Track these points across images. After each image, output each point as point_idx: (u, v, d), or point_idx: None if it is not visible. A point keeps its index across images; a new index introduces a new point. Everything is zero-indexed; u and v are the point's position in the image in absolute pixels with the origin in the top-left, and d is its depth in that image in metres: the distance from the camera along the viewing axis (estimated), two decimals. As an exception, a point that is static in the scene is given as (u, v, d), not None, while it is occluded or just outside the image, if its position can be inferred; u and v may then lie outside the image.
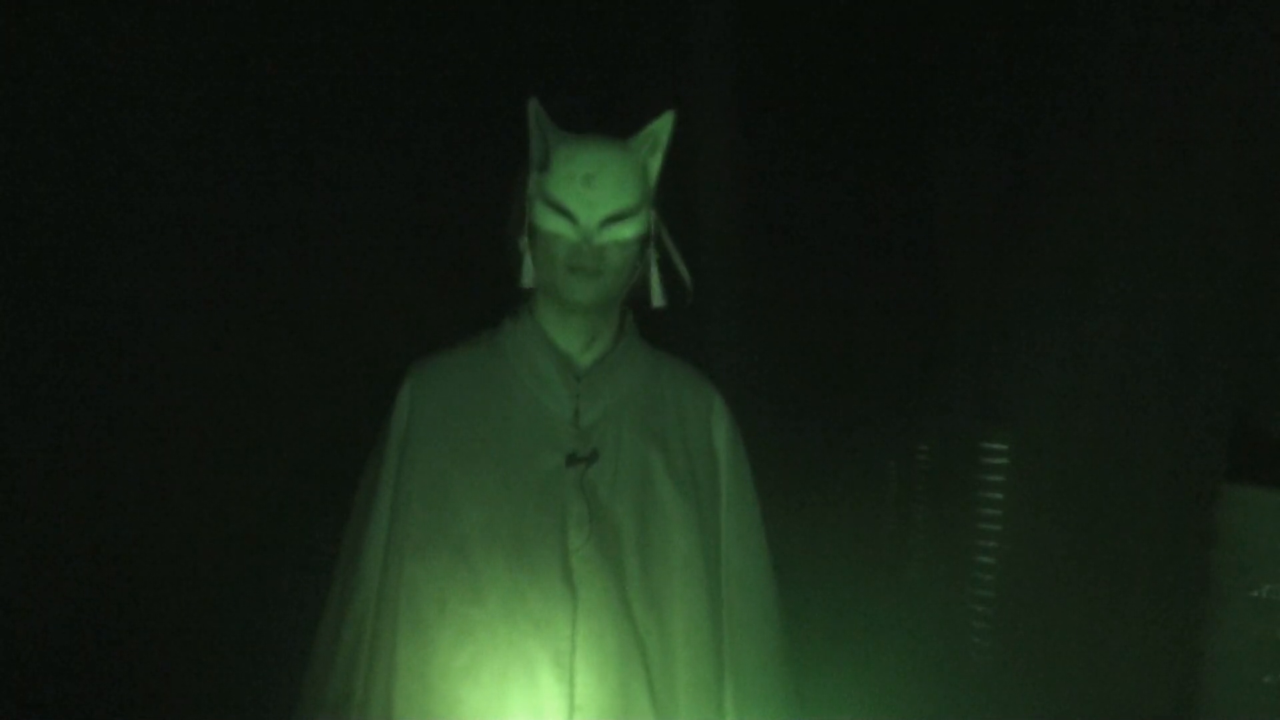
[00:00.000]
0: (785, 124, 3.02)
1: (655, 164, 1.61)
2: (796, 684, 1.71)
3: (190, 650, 2.37)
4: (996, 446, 2.79)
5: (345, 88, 2.53)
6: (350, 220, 2.54)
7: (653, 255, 1.60)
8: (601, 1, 2.81)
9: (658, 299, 1.61)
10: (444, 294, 2.42)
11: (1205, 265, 2.07)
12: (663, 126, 1.59)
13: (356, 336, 2.47)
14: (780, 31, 3.03)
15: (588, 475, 1.55)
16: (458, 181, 2.51)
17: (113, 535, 2.30)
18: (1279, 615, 1.72)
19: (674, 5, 2.90)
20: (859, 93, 3.08)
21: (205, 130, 2.41)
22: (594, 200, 1.52)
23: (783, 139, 3.03)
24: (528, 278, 1.61)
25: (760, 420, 3.06)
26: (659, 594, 1.56)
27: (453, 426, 1.57)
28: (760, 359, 3.07)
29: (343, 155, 2.54)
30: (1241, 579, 1.75)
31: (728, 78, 2.91)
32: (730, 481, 1.68)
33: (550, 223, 1.53)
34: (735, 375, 3.00)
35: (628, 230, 1.55)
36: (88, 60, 2.24)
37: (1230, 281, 2.01)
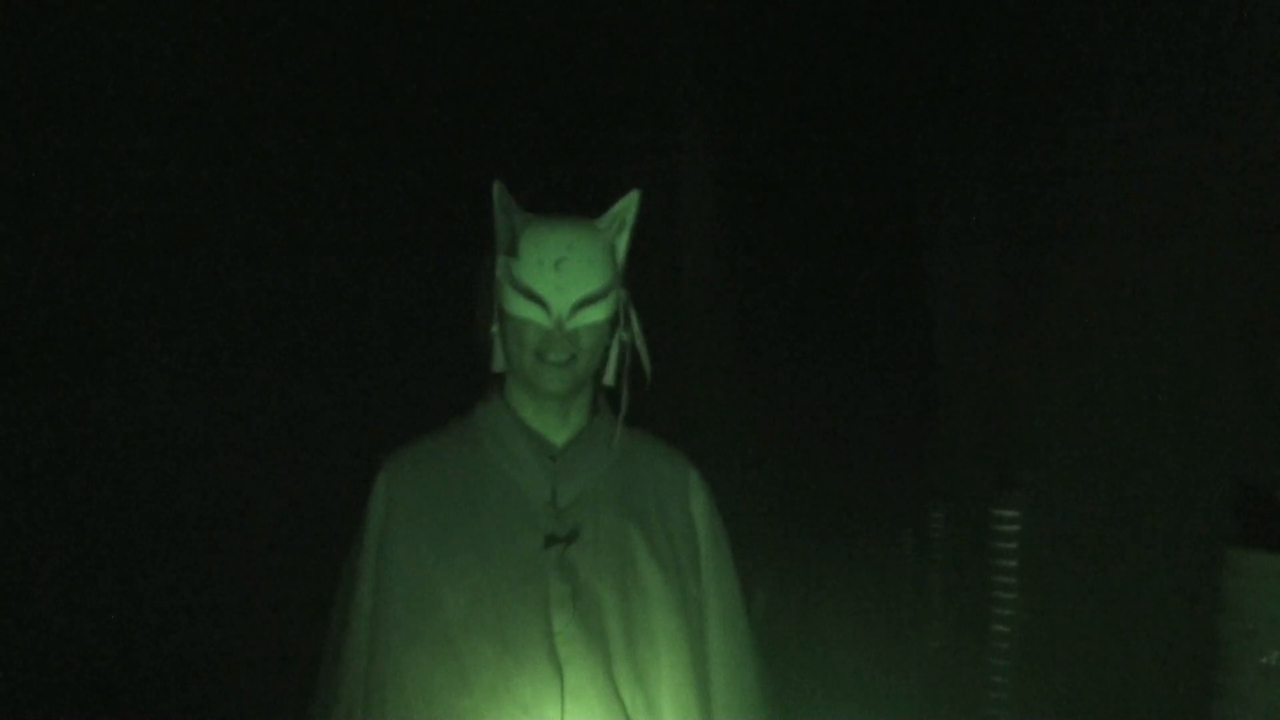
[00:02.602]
0: (779, 191, 3.04)
1: (623, 243, 1.60)
2: None
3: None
4: (1009, 513, 2.78)
5: (322, 166, 2.56)
6: (319, 305, 2.55)
7: (619, 335, 1.60)
8: (580, 81, 2.85)
9: (611, 378, 1.62)
10: (415, 381, 2.43)
11: (1210, 331, 2.08)
12: (628, 205, 1.59)
13: (331, 429, 2.47)
14: (765, 108, 3.07)
15: (568, 555, 1.53)
16: (429, 265, 2.51)
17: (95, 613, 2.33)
18: (1289, 683, 1.70)
19: (657, 88, 2.94)
20: (855, 147, 3.09)
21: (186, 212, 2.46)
22: (564, 285, 1.51)
23: (777, 209, 3.05)
24: (498, 363, 1.61)
25: (772, 492, 3.07)
26: (645, 672, 1.54)
27: (430, 515, 1.56)
28: (771, 431, 3.07)
29: (320, 238, 2.56)
30: (1250, 646, 1.73)
31: (714, 166, 2.94)
32: (709, 554, 1.66)
33: (521, 309, 1.52)
34: (748, 450, 3.00)
35: (599, 313, 1.54)
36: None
37: (1235, 347, 2.02)
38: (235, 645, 2.41)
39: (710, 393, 2.80)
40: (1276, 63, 1.91)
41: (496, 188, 1.55)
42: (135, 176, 2.36)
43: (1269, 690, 1.72)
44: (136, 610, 2.37)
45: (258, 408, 2.48)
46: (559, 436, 1.61)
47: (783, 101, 3.11)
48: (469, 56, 2.73)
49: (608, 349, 1.60)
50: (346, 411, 2.48)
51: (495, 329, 1.58)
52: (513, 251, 1.55)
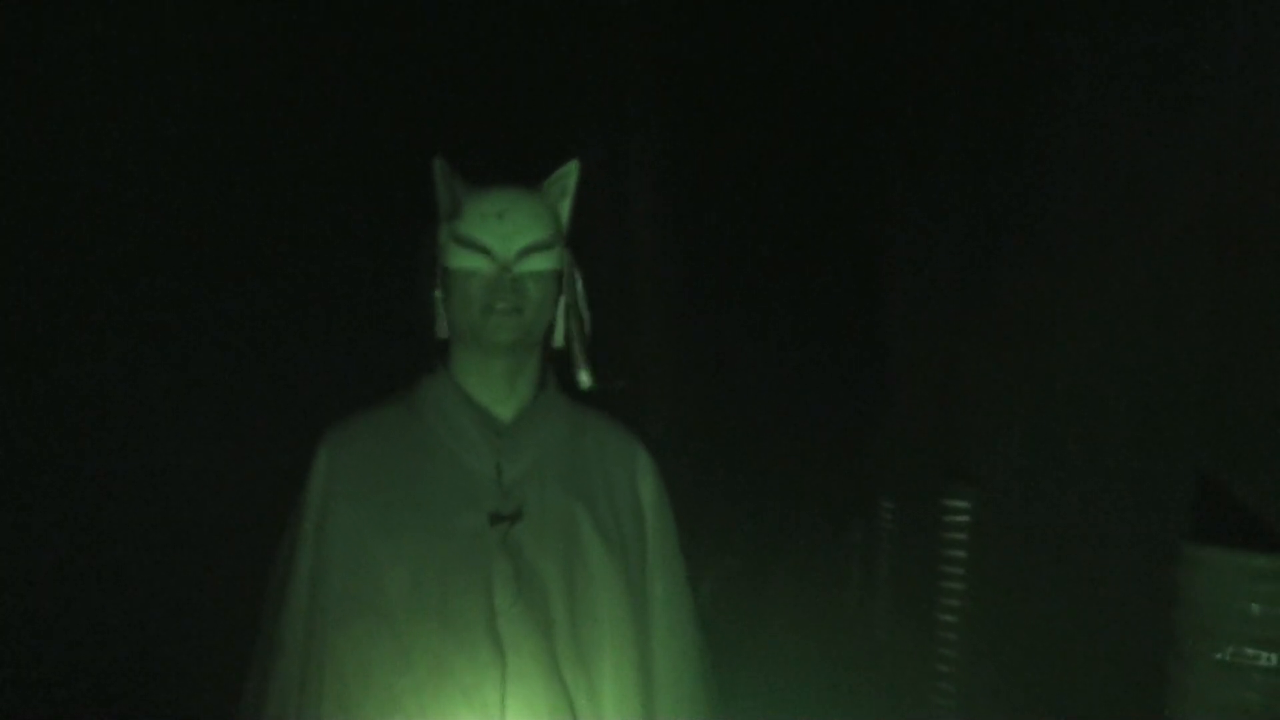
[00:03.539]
0: (734, 180, 3.04)
1: (565, 208, 1.60)
2: None
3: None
4: (959, 504, 2.78)
5: (275, 146, 2.54)
6: (263, 286, 2.51)
7: (564, 299, 1.58)
8: (533, 63, 2.83)
9: (560, 339, 1.60)
10: (356, 354, 2.40)
11: (1169, 326, 2.08)
12: (569, 173, 1.60)
13: (268, 401, 2.43)
14: (722, 90, 3.05)
15: (512, 534, 1.50)
16: (369, 244, 2.48)
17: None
18: (1244, 678, 1.70)
19: (610, 70, 2.92)
20: (813, 136, 3.09)
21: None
22: (508, 232, 1.51)
23: (732, 199, 3.05)
24: (442, 330, 1.58)
25: (721, 479, 3.05)
26: (588, 654, 1.51)
27: (372, 490, 1.52)
28: (724, 419, 3.05)
29: (270, 217, 2.54)
30: (1205, 642, 1.72)
31: (667, 150, 2.92)
32: (655, 535, 1.64)
33: (465, 260, 1.51)
34: (700, 436, 2.99)
35: (545, 262, 1.53)
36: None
37: (1194, 341, 2.01)
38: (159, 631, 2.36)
39: (661, 379, 2.77)
40: (1241, 58, 1.90)
41: (437, 164, 1.55)
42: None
43: (1224, 686, 1.71)
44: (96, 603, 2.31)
45: (208, 386, 2.43)
46: (505, 411, 1.58)
47: (739, 84, 3.08)
48: (416, 38, 2.70)
49: (554, 317, 1.59)
50: (294, 386, 2.43)
51: (438, 293, 1.56)
52: (455, 214, 1.54)
